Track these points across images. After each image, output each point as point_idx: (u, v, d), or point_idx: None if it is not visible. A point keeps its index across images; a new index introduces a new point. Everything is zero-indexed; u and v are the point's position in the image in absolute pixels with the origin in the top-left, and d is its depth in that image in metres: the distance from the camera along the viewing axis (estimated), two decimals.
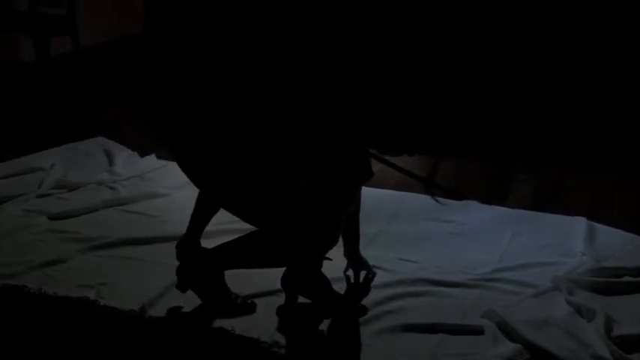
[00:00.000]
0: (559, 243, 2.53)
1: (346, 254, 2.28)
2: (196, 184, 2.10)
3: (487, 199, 2.86)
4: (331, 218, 1.96)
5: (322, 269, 2.11)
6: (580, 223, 2.64)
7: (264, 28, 1.87)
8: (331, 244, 2.01)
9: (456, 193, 2.92)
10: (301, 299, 2.11)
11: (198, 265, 2.08)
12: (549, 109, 3.47)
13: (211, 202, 2.17)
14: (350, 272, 2.30)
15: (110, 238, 2.49)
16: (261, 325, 2.03)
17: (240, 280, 2.16)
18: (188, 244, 2.17)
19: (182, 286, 2.11)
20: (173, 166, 3.13)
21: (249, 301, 2.12)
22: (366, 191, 2.20)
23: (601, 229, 2.62)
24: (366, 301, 2.16)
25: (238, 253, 2.05)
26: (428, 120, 2.06)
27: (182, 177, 3.01)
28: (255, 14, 1.88)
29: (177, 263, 2.22)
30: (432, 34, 1.90)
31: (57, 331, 2.03)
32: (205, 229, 2.24)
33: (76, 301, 2.14)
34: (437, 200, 2.01)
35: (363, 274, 2.29)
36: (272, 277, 2.10)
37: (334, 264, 2.18)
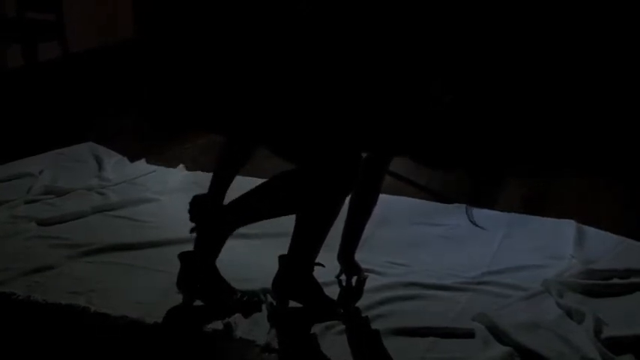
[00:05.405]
0: (549, 246, 2.54)
1: (340, 258, 2.28)
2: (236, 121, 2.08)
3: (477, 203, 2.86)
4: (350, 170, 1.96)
5: (314, 273, 2.12)
6: (569, 225, 2.66)
7: None
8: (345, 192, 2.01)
9: (446, 196, 2.93)
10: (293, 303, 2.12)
11: (215, 218, 2.08)
12: (539, 115, 3.49)
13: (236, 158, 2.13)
14: (342, 276, 2.30)
15: (100, 244, 2.48)
16: (258, 327, 2.04)
17: (238, 284, 2.17)
18: (207, 202, 2.13)
19: (186, 288, 2.12)
20: (163, 171, 3.15)
21: (255, 299, 2.13)
22: None
23: (590, 231, 2.64)
24: (357, 305, 2.16)
25: (254, 200, 2.05)
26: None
27: (172, 182, 3.04)
28: None
29: (168, 269, 2.22)
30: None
31: (46, 339, 2.02)
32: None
33: (66, 308, 2.13)
34: (473, 221, 2.02)
35: (354, 278, 2.30)
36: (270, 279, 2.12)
37: (326, 268, 2.19)
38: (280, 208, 2.05)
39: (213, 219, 2.09)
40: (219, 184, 2.12)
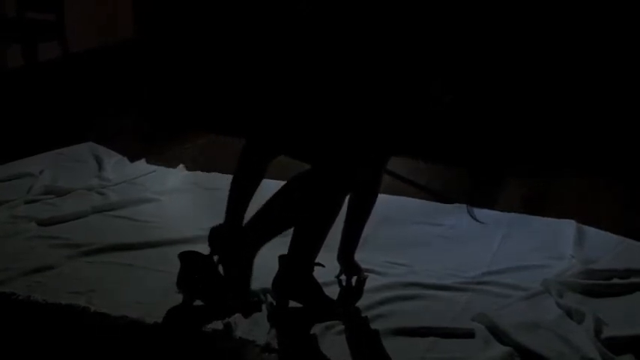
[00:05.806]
0: (549, 246, 2.54)
1: (340, 258, 2.28)
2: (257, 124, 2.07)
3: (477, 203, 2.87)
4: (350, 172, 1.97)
5: (314, 273, 2.12)
6: (569, 225, 2.66)
7: None
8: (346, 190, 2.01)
9: (447, 196, 2.93)
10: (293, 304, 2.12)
11: (237, 244, 2.07)
12: (539, 115, 3.49)
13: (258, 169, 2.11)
14: (342, 276, 2.30)
15: (100, 244, 2.47)
16: (258, 327, 2.04)
17: None
18: (225, 231, 2.12)
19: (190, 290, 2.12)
20: (163, 171, 3.15)
21: (255, 299, 2.13)
22: None
23: (590, 231, 2.64)
24: (357, 305, 2.16)
25: (272, 208, 2.04)
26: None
27: (172, 182, 3.04)
28: None
29: (168, 269, 2.22)
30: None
31: (46, 339, 2.02)
32: (196, 234, 2.23)
33: (66, 308, 2.13)
34: (474, 217, 2.02)
35: (354, 278, 2.30)
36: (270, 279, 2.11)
37: (326, 268, 2.19)
38: (298, 210, 2.03)
39: (235, 246, 2.08)
40: (236, 208, 2.11)
